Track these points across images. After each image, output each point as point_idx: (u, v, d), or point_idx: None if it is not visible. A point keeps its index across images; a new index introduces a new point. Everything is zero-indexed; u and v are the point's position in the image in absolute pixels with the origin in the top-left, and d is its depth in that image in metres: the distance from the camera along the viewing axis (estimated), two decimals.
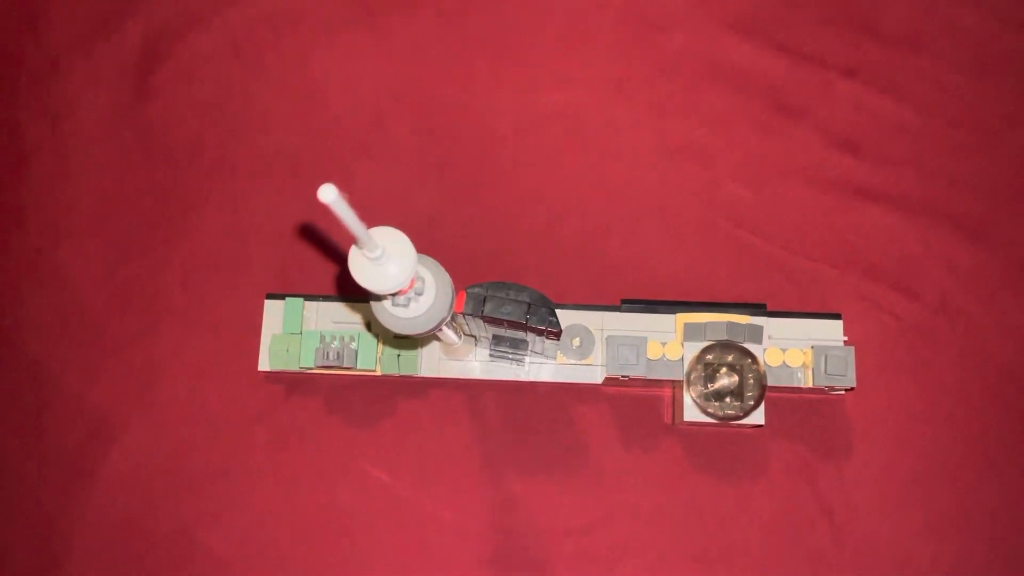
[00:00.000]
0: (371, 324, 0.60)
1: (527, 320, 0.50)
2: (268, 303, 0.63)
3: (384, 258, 0.37)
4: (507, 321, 0.51)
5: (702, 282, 0.63)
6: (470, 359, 0.61)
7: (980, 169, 0.64)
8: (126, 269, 0.65)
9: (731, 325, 0.57)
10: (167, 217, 0.66)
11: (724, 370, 0.56)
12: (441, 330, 0.47)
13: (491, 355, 0.61)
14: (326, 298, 0.62)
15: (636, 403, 0.61)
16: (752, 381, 0.55)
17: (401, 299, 0.41)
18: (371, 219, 0.37)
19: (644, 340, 0.56)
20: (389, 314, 0.42)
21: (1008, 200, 0.64)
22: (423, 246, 0.41)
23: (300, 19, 0.69)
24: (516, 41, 0.68)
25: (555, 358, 0.61)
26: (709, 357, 0.56)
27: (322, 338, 0.59)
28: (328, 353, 0.58)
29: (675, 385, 0.60)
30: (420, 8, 0.68)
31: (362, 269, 0.38)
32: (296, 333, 0.60)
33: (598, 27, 0.68)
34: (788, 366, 0.57)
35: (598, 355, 0.61)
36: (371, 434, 0.62)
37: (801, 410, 0.61)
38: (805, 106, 0.66)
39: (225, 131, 0.67)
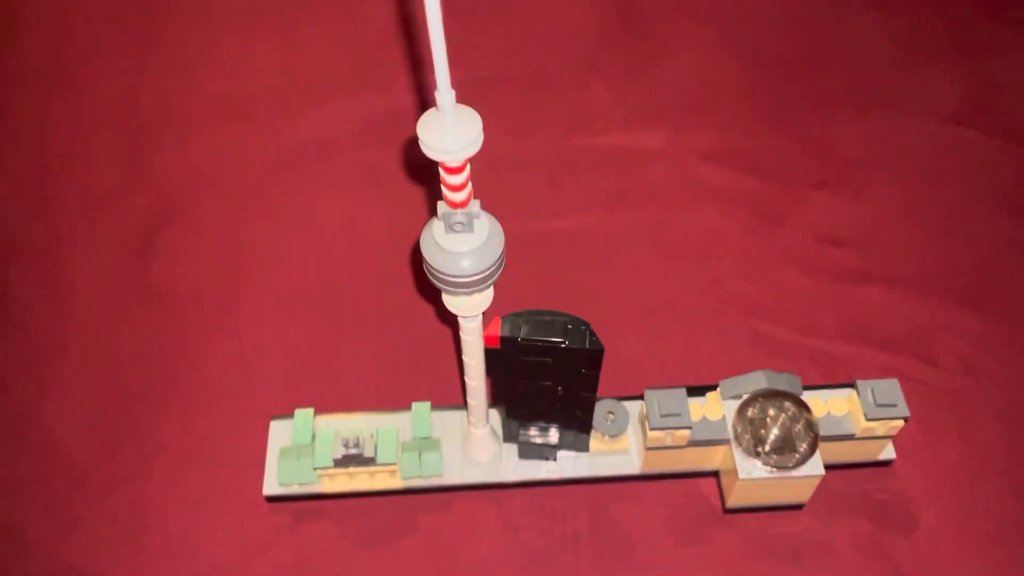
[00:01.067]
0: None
1: (565, 338, 0.48)
2: (274, 424, 0.59)
3: (459, 116, 0.36)
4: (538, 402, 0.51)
5: (723, 369, 0.61)
6: (494, 459, 0.57)
7: (962, 249, 0.67)
8: (117, 415, 0.61)
9: (769, 374, 0.55)
10: (165, 358, 0.64)
11: (771, 419, 0.53)
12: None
13: (520, 452, 0.57)
14: (340, 411, 0.58)
15: (680, 493, 0.57)
16: (802, 429, 0.53)
17: (459, 215, 0.39)
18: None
19: (683, 391, 0.54)
20: (439, 248, 0.40)
21: (996, 270, 0.66)
22: None
23: (307, 175, 0.73)
24: (510, 180, 0.72)
25: (587, 449, 0.57)
26: (753, 410, 0.53)
27: (337, 434, 0.54)
28: (348, 443, 0.54)
29: (721, 469, 0.56)
30: (422, 168, 0.73)
31: (433, 124, 0.36)
32: (307, 444, 0.56)
33: (585, 166, 0.73)
34: (833, 415, 0.55)
35: (632, 439, 0.58)
36: (390, 557, 0.55)
37: (853, 484, 0.57)
38: (786, 214, 0.70)
39: (229, 275, 0.67)
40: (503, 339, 0.48)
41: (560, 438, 0.56)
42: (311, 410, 0.57)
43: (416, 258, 0.67)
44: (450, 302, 0.45)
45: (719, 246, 0.68)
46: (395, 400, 0.59)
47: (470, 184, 0.39)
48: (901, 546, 0.55)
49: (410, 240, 0.68)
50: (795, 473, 0.52)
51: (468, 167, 0.38)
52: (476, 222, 0.40)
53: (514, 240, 0.66)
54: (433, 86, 0.34)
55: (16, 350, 0.64)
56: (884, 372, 0.61)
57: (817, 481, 0.53)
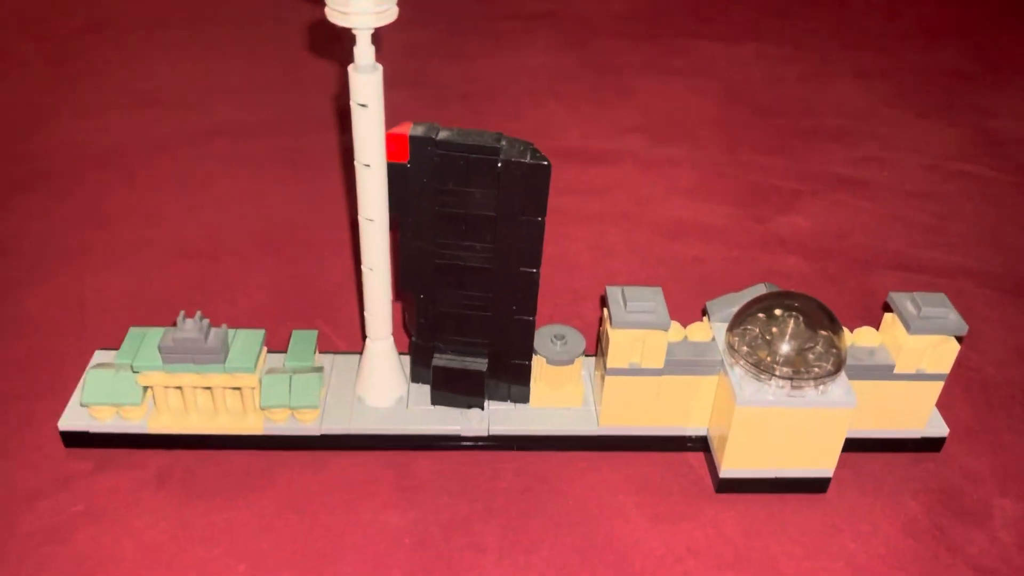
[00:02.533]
0: None
1: (500, 146, 0.35)
2: (100, 353, 0.43)
3: None
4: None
5: None
6: (395, 403, 0.41)
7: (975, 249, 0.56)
8: None
9: (770, 287, 0.41)
10: None
11: (779, 330, 0.38)
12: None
13: (433, 398, 0.41)
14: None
15: (655, 464, 0.40)
16: (821, 347, 0.38)
17: None
18: None
19: (659, 289, 0.39)
20: None
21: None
22: None
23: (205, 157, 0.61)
24: None
25: (527, 399, 0.41)
26: (754, 319, 0.39)
27: (175, 324, 0.38)
28: (186, 324, 0.37)
29: (712, 427, 0.40)
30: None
31: None
32: (128, 365, 0.39)
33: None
34: (861, 346, 0.40)
35: (588, 392, 0.42)
36: (232, 518, 0.37)
37: (896, 468, 0.41)
38: (773, 214, 0.59)
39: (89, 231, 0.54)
40: (414, 142, 0.35)
41: (490, 374, 0.40)
42: (150, 327, 0.41)
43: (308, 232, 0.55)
44: (337, 5, 0.32)
45: (699, 228, 0.56)
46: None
47: None
48: (975, 537, 0.38)
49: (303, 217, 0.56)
50: (816, 401, 0.37)
51: None
52: None
53: None
54: None
55: None
56: None
57: (847, 423, 0.37)
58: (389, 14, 0.33)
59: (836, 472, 0.39)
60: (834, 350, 0.37)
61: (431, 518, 0.37)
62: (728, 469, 0.39)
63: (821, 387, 0.37)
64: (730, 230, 0.56)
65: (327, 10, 0.32)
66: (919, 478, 0.40)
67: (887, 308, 0.40)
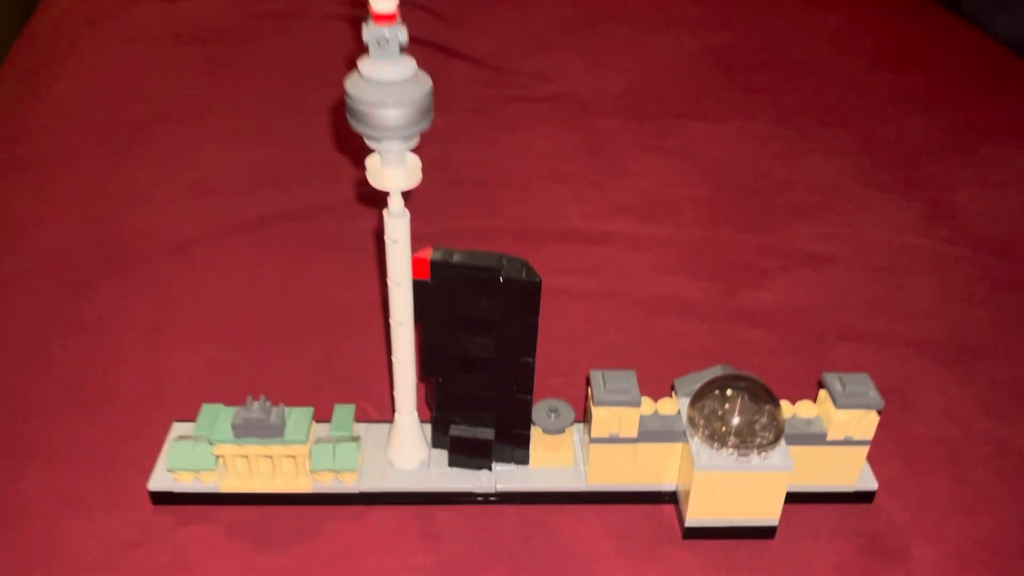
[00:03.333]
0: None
1: (501, 266, 0.44)
2: (177, 425, 0.52)
3: None
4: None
5: None
6: (420, 466, 0.50)
7: (921, 322, 0.65)
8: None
9: (727, 368, 0.50)
10: (75, 371, 0.58)
11: (730, 407, 0.47)
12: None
13: (450, 460, 0.50)
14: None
15: (635, 514, 0.49)
16: (766, 419, 0.46)
17: (385, 31, 0.37)
18: None
19: (633, 372, 0.48)
20: (370, 82, 0.39)
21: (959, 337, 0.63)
22: None
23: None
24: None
25: (527, 460, 0.50)
26: (711, 397, 0.48)
27: (246, 404, 0.48)
28: (252, 406, 0.47)
29: (679, 483, 0.49)
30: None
31: None
32: (207, 436, 0.49)
33: (545, 240, 0.72)
34: (801, 417, 0.49)
35: (578, 452, 0.51)
36: (282, 563, 0.46)
37: (831, 516, 0.49)
38: (747, 286, 0.68)
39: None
40: (434, 265, 0.45)
41: (496, 441, 0.49)
42: (220, 405, 0.51)
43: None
44: (374, 172, 0.42)
45: (679, 304, 0.65)
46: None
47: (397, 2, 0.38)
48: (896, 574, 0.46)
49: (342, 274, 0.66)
50: (759, 464, 0.46)
51: None
52: (402, 54, 0.39)
53: None
54: None
55: None
56: None
57: (786, 481, 0.46)
58: (415, 178, 0.42)
59: (782, 520, 0.48)
60: (775, 423, 0.46)
61: (449, 561, 0.46)
62: (691, 519, 0.47)
63: (764, 454, 0.46)
64: (705, 305, 0.65)
65: (367, 174, 0.42)
66: (851, 525, 0.49)
67: (820, 385, 0.49)
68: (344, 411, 0.51)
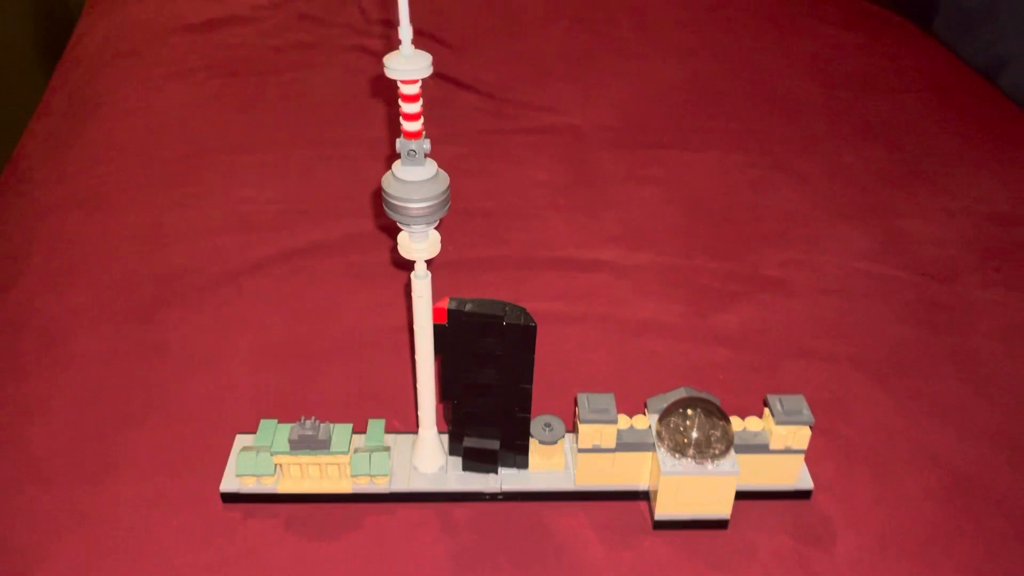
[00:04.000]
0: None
1: (504, 313, 0.55)
2: (240, 436, 0.64)
3: (415, 51, 0.48)
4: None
5: None
6: (439, 471, 0.61)
7: (869, 343, 0.76)
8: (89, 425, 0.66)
9: (690, 390, 0.61)
10: (145, 386, 0.70)
11: (690, 423, 0.58)
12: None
13: (464, 466, 0.61)
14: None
15: (615, 508, 0.61)
16: (719, 433, 0.58)
17: (412, 145, 0.49)
18: None
19: (611, 395, 0.59)
20: (395, 178, 0.50)
21: (898, 359, 0.74)
22: None
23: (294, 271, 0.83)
24: (478, 281, 0.82)
25: (526, 466, 0.62)
26: (675, 415, 0.59)
27: (300, 423, 0.59)
28: (305, 423, 0.58)
29: (650, 484, 0.61)
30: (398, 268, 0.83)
31: (396, 55, 0.48)
32: (267, 444, 0.60)
33: (541, 267, 0.83)
34: (749, 430, 0.60)
35: (569, 459, 0.62)
36: (333, 549, 0.58)
37: (775, 511, 0.61)
38: (713, 309, 0.79)
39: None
40: (450, 312, 0.56)
41: (501, 449, 0.61)
42: (275, 420, 0.62)
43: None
44: (404, 246, 0.53)
45: (656, 327, 0.76)
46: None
47: (422, 119, 0.50)
48: (822, 559, 0.57)
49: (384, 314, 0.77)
50: (713, 469, 0.57)
51: (420, 102, 0.49)
52: (426, 159, 0.51)
53: None
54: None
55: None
56: None
57: (734, 483, 0.57)
58: (436, 249, 0.53)
59: (733, 514, 0.59)
60: (726, 437, 0.58)
61: (465, 547, 0.58)
62: (659, 514, 0.59)
63: (716, 462, 0.57)
64: (679, 327, 0.76)
65: (399, 247, 0.54)
66: (791, 518, 0.60)
67: (765, 404, 0.61)
68: (376, 425, 0.62)
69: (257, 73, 1.16)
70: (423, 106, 0.50)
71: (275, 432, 0.60)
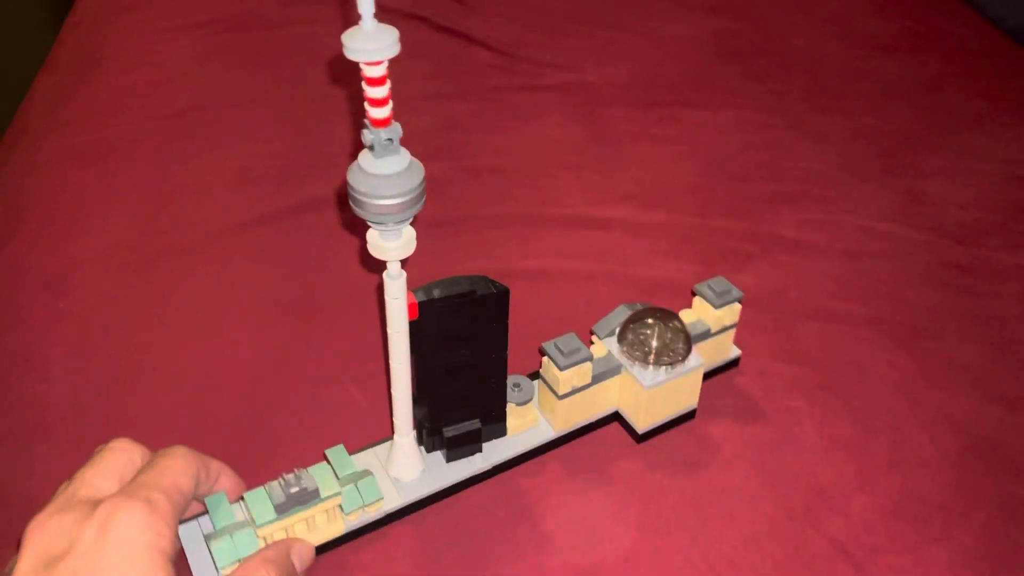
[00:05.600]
0: None
1: (474, 287, 0.52)
2: (181, 529, 0.53)
3: (378, 27, 0.41)
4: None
5: None
6: (422, 473, 0.58)
7: (886, 305, 0.73)
8: None
9: (627, 304, 0.62)
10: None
11: (648, 333, 0.60)
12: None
13: (448, 457, 0.58)
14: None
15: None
16: (673, 334, 0.60)
17: (381, 134, 0.42)
18: None
19: (573, 334, 0.59)
20: (363, 172, 0.43)
21: (916, 321, 0.72)
22: None
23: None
24: (487, 234, 0.80)
25: (505, 432, 0.60)
26: (631, 331, 0.60)
27: (268, 488, 0.51)
28: (287, 482, 0.50)
29: (622, 405, 0.61)
30: None
31: (356, 32, 0.40)
32: (234, 520, 0.51)
33: (551, 225, 0.81)
34: (688, 323, 0.63)
35: (539, 412, 0.61)
36: None
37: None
38: (732, 268, 0.77)
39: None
40: (421, 305, 0.51)
41: (481, 425, 0.58)
42: (221, 492, 0.52)
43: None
44: (374, 244, 0.47)
45: (669, 286, 0.74)
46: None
47: (391, 103, 0.42)
48: (835, 520, 0.56)
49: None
50: (684, 368, 0.58)
51: (388, 85, 0.42)
52: (398, 150, 0.44)
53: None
54: None
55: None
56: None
57: (702, 374, 0.60)
58: (410, 248, 0.47)
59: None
60: (684, 336, 0.59)
61: (471, 533, 0.56)
62: (644, 427, 0.60)
63: (682, 360, 0.59)
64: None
65: (368, 245, 0.48)
66: (803, 477, 0.58)
67: (694, 294, 0.63)
68: (338, 453, 0.55)
69: (263, 27, 1.14)
70: (391, 89, 0.42)
71: (239, 506, 0.53)
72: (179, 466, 0.48)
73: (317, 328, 0.70)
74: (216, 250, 0.78)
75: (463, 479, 0.58)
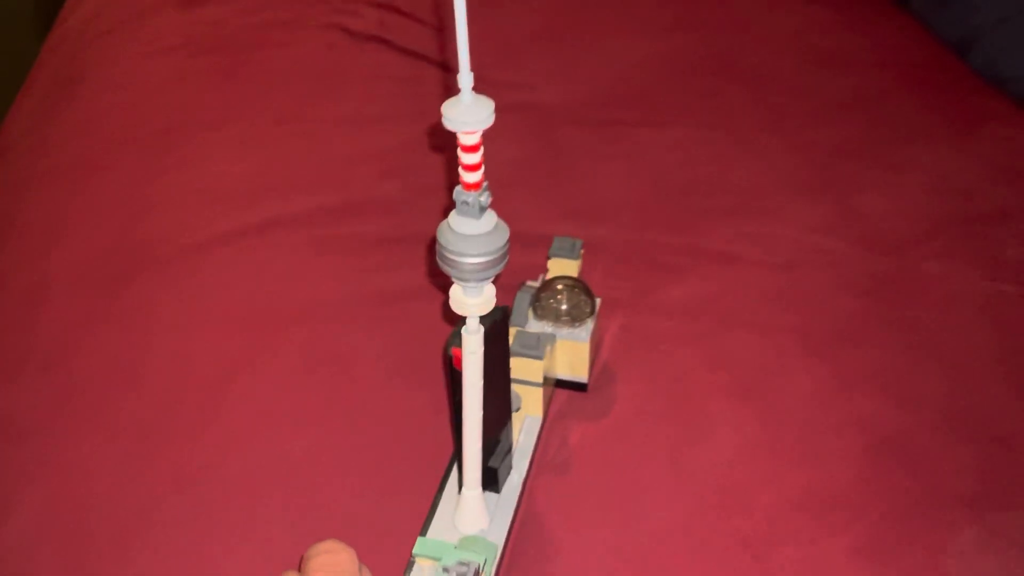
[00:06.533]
0: None
1: (494, 320, 0.55)
2: None
3: (476, 98, 0.44)
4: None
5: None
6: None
7: (809, 315, 0.78)
8: None
9: (527, 288, 0.71)
10: None
11: (558, 299, 0.69)
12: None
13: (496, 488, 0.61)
14: None
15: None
16: (577, 290, 0.69)
17: (471, 196, 0.46)
18: None
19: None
20: (453, 233, 0.47)
21: (839, 334, 0.77)
22: None
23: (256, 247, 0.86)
24: None
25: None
26: (542, 304, 0.69)
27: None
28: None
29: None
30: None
31: (454, 104, 0.44)
32: None
33: None
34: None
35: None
36: None
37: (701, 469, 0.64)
38: (650, 289, 0.81)
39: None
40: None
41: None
42: None
43: None
44: (457, 300, 0.50)
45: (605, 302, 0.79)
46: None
47: (483, 170, 0.46)
48: (741, 514, 0.61)
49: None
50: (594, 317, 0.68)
51: (481, 151, 0.45)
52: (485, 212, 0.48)
53: None
54: None
55: None
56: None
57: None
58: (490, 304, 0.50)
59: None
60: (584, 290, 0.68)
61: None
62: (588, 378, 0.70)
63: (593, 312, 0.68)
64: (626, 302, 0.79)
65: (450, 301, 0.50)
66: (714, 478, 0.63)
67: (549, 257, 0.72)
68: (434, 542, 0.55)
69: (235, 51, 1.19)
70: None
71: None
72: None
73: (277, 341, 0.75)
74: (184, 266, 0.83)
75: (515, 509, 0.61)
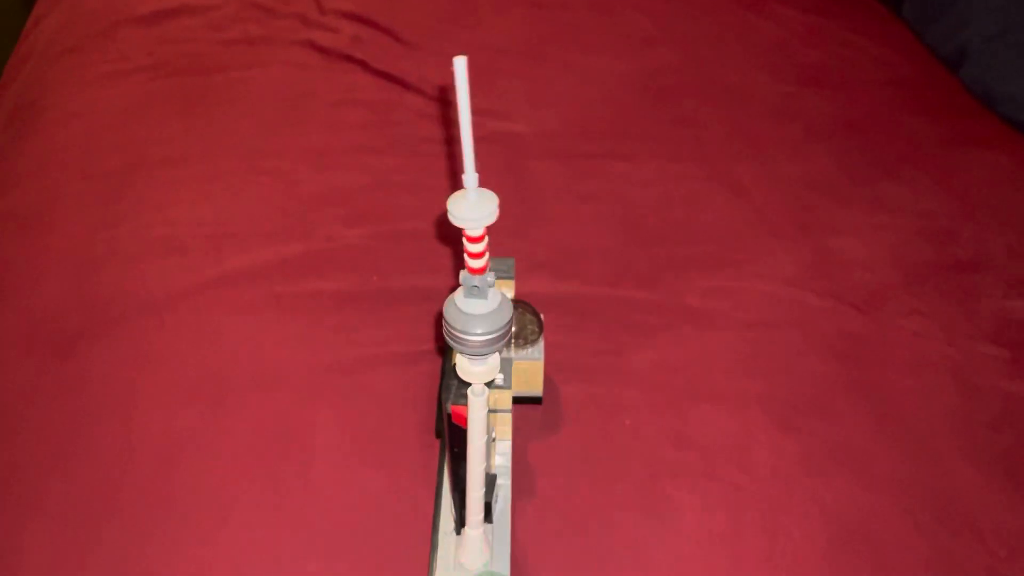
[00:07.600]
0: None
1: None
2: None
3: (480, 194, 0.47)
4: None
5: None
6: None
7: (783, 380, 0.76)
8: None
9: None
10: None
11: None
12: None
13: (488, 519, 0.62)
14: None
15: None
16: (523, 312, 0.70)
17: (476, 280, 0.49)
18: None
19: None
20: (460, 312, 0.50)
21: (812, 400, 0.75)
22: None
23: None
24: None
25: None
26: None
27: None
28: None
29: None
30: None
31: (460, 199, 0.47)
32: None
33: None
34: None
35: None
36: None
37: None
38: (626, 348, 0.79)
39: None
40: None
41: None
42: None
43: None
44: (463, 368, 0.53)
45: (569, 367, 0.77)
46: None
47: (487, 255, 0.49)
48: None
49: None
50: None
51: (486, 240, 0.48)
52: (490, 291, 0.50)
53: None
54: None
55: None
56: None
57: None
58: (495, 372, 0.53)
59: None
60: (531, 312, 0.69)
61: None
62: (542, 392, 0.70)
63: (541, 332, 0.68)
64: (591, 367, 0.77)
65: (457, 369, 0.53)
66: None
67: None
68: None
69: (202, 72, 1.15)
70: None
71: None
72: None
73: (231, 412, 0.73)
74: (135, 328, 0.80)
75: (506, 535, 0.63)
